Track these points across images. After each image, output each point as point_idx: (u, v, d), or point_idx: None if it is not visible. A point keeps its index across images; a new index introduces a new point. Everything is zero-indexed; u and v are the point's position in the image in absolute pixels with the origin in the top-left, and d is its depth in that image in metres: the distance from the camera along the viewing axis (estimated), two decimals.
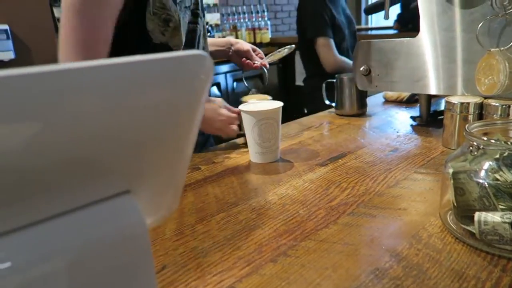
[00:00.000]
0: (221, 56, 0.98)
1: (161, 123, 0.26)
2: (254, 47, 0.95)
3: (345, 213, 0.51)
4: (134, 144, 0.26)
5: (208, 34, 2.87)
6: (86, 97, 0.21)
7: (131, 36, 0.73)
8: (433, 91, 0.79)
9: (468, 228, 0.43)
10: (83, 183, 0.25)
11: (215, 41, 0.98)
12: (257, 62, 0.91)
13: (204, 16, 0.91)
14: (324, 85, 1.06)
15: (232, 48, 0.94)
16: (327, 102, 1.06)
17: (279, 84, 2.74)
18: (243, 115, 0.70)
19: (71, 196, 0.25)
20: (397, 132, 0.86)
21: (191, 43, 0.85)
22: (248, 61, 0.91)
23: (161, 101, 0.25)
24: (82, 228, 0.25)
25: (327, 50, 1.68)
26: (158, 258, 0.43)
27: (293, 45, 1.02)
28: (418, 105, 0.92)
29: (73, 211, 0.25)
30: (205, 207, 0.55)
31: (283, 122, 0.99)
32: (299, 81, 2.69)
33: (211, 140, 1.07)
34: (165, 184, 0.32)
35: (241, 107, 0.71)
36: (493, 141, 0.41)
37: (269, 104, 0.71)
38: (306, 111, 1.81)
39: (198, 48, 0.87)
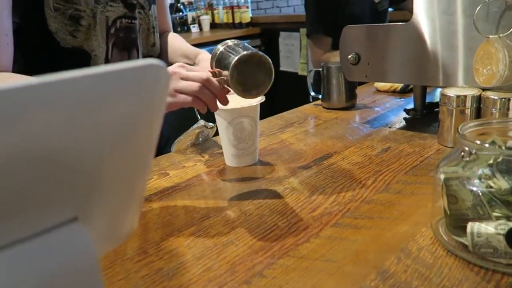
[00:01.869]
0: None
1: (116, 139, 0.26)
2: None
3: (328, 224, 0.52)
4: (85, 166, 0.26)
5: (180, 13, 2.83)
6: (36, 115, 0.21)
7: (33, 39, 0.66)
8: (430, 82, 0.80)
9: (460, 240, 0.44)
10: (25, 211, 0.25)
11: (184, 50, 0.86)
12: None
13: (150, 6, 0.81)
14: (309, 74, 1.06)
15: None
16: (312, 93, 1.07)
17: None
18: (216, 114, 0.70)
19: (12, 226, 0.25)
20: (389, 127, 0.87)
21: (124, 44, 0.74)
22: None
23: (115, 117, 0.25)
24: (26, 262, 0.25)
25: (313, 49, 1.71)
26: (117, 283, 0.43)
27: (212, 124, 0.81)
28: (413, 95, 0.94)
29: (15, 244, 0.25)
30: (172, 221, 0.55)
31: (265, 115, 0.99)
32: (284, 66, 2.69)
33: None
34: (122, 205, 0.32)
35: None
36: (486, 145, 0.42)
37: (246, 100, 0.71)
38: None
39: (137, 51, 0.77)
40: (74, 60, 0.68)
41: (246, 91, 0.59)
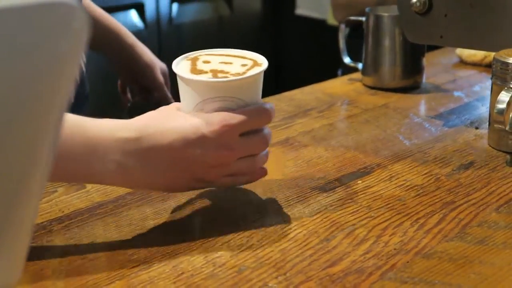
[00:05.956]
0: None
1: None
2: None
3: None
4: None
5: None
6: None
7: None
8: None
9: None
10: None
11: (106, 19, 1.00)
12: None
13: None
14: (341, 26, 1.06)
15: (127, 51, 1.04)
16: (346, 60, 1.07)
17: (264, 13, 2.73)
18: (181, 87, 0.68)
19: None
20: (476, 128, 0.88)
21: None
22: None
23: None
24: None
25: None
26: None
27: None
28: None
29: None
30: (86, 269, 0.55)
31: (266, 94, 0.98)
32: (303, 9, 2.68)
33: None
34: None
35: (176, 66, 0.69)
36: None
37: (237, 64, 0.68)
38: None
39: None
40: None
41: None
